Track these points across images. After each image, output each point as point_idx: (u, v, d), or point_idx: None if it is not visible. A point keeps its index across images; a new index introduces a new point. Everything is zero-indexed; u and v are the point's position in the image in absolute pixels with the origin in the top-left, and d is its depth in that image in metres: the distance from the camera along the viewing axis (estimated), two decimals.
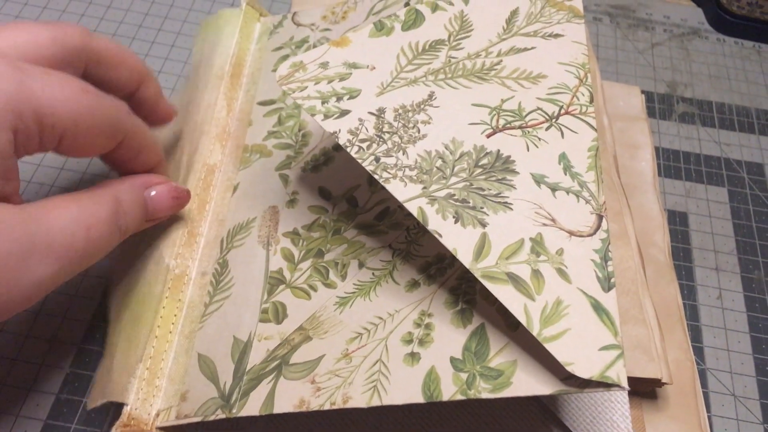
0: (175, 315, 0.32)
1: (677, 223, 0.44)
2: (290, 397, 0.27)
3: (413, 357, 0.27)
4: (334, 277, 0.31)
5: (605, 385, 0.24)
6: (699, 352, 0.39)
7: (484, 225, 0.27)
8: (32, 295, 0.25)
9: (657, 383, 0.34)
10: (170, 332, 0.31)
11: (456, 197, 0.27)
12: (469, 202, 0.27)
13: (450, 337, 0.27)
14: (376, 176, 0.28)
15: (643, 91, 0.49)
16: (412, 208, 0.27)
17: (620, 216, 0.38)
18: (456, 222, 0.27)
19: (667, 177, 0.46)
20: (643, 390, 0.35)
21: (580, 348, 0.24)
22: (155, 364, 0.30)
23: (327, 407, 0.27)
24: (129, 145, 0.30)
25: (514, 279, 0.25)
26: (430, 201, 0.27)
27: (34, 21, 0.30)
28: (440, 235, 0.26)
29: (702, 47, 0.54)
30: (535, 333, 0.24)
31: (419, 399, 0.26)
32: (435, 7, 0.34)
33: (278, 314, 0.30)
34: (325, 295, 0.31)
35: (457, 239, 0.26)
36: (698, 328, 0.40)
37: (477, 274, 0.26)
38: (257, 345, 0.30)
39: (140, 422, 0.29)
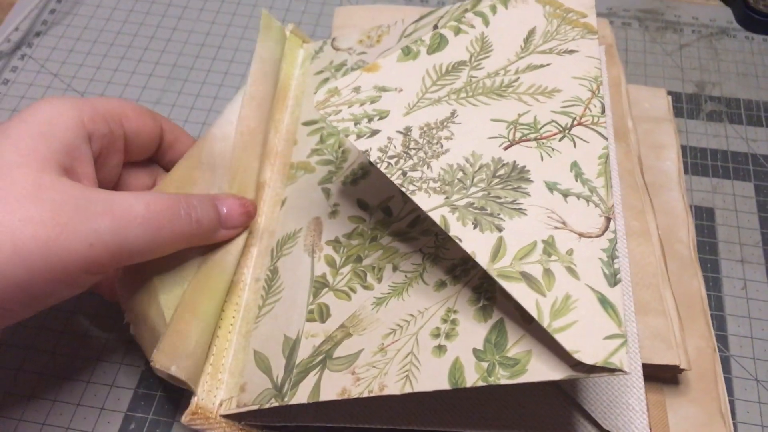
0: (233, 317, 0.36)
1: (704, 218, 0.46)
2: (334, 386, 0.31)
3: (440, 349, 0.30)
4: (372, 279, 0.35)
5: (609, 370, 0.26)
6: (723, 340, 0.41)
7: (500, 229, 0.30)
8: (93, 241, 0.29)
9: (676, 369, 0.36)
10: (229, 332, 0.35)
11: (475, 205, 0.31)
12: (487, 210, 0.30)
13: (473, 330, 0.30)
14: (403, 189, 0.31)
15: (670, 92, 0.51)
16: (436, 216, 0.30)
17: (642, 214, 0.41)
18: (475, 228, 0.30)
19: (694, 174, 0.48)
20: (664, 376, 0.37)
21: (587, 337, 0.27)
22: (218, 360, 0.34)
23: (366, 395, 0.30)
24: (167, 140, 0.39)
25: (527, 277, 0.29)
26: (452, 209, 0.30)
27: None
28: (460, 240, 0.30)
29: (730, 46, 0.56)
30: (545, 325, 0.27)
31: (445, 386, 0.29)
32: (458, 31, 0.37)
33: (323, 314, 0.34)
34: (363, 296, 0.34)
35: (476, 243, 0.30)
36: (723, 317, 0.42)
37: (493, 274, 0.29)
38: (305, 342, 0.34)
39: (206, 411, 0.33)
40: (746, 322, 0.42)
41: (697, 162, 0.49)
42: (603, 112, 0.34)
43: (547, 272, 0.29)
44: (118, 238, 0.30)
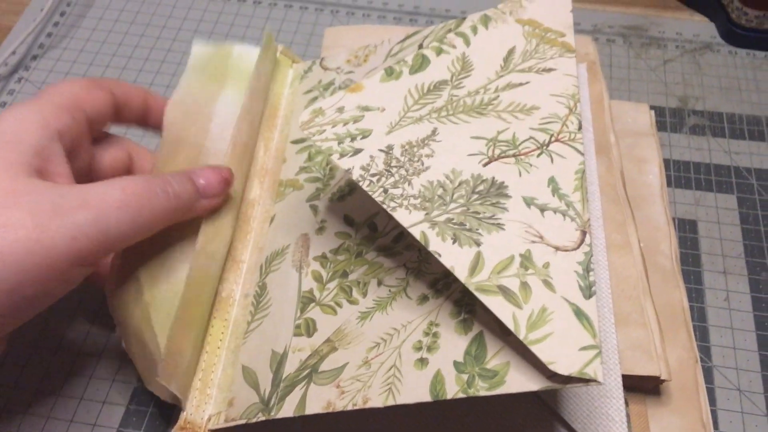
0: (222, 332, 0.37)
1: (687, 230, 0.47)
2: (319, 400, 0.32)
3: (422, 362, 0.31)
4: (357, 294, 0.35)
5: (584, 380, 0.27)
6: (706, 350, 0.42)
7: (479, 244, 0.31)
8: (76, 234, 0.30)
9: (657, 380, 0.37)
10: (218, 348, 0.36)
11: (454, 221, 0.31)
12: (466, 225, 0.31)
13: (454, 343, 0.31)
14: (384, 206, 0.32)
15: (653, 107, 0.52)
16: (416, 232, 0.31)
17: (624, 227, 0.42)
18: (454, 243, 0.31)
19: (677, 187, 0.49)
20: (646, 387, 0.38)
21: (562, 349, 0.28)
22: (206, 376, 0.35)
23: (350, 408, 0.31)
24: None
25: (504, 290, 0.29)
26: (432, 225, 0.31)
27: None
28: (440, 255, 0.30)
29: (714, 60, 0.57)
30: (521, 337, 0.28)
31: (427, 398, 0.30)
32: (439, 51, 0.38)
33: (309, 329, 0.35)
34: (349, 311, 0.35)
35: (455, 258, 0.30)
36: (706, 328, 0.42)
37: (471, 288, 0.30)
38: (292, 356, 0.34)
39: (195, 425, 0.34)
40: (729, 332, 0.42)
41: (681, 175, 0.49)
42: (580, 128, 0.35)
43: (524, 285, 0.29)
44: (100, 225, 0.31)
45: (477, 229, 0.31)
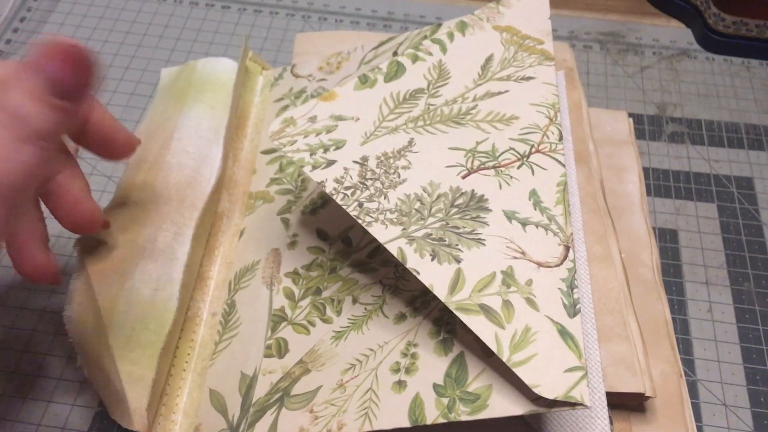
0: (188, 354, 0.35)
1: (667, 240, 0.46)
2: (291, 426, 0.30)
3: (400, 385, 0.30)
4: (331, 312, 0.34)
5: (570, 404, 0.26)
6: (690, 364, 0.41)
7: (458, 261, 0.29)
8: None
9: (641, 397, 0.36)
10: (184, 370, 0.34)
11: (433, 236, 0.30)
12: (445, 240, 0.30)
13: (433, 365, 0.30)
14: (359, 221, 0.30)
15: (631, 114, 0.51)
16: (392, 248, 0.30)
17: (605, 239, 0.40)
18: (433, 259, 0.29)
19: (657, 196, 0.48)
20: (629, 403, 0.37)
21: (547, 371, 0.26)
22: (171, 400, 0.33)
23: None
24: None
25: (486, 310, 0.28)
26: (409, 241, 0.30)
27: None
28: (418, 273, 0.29)
29: (691, 67, 0.56)
30: (504, 359, 0.27)
31: (405, 423, 0.28)
32: (415, 58, 0.37)
33: (281, 349, 0.33)
34: (322, 330, 0.33)
35: (434, 275, 0.29)
36: (689, 341, 0.41)
37: (452, 307, 0.28)
38: (262, 379, 0.33)
39: None
40: (712, 345, 0.41)
41: (660, 184, 0.49)
42: (560, 138, 0.33)
43: (507, 304, 0.28)
44: None
45: (456, 245, 0.30)
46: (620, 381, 0.35)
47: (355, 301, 0.34)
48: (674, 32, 0.58)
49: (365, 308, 0.33)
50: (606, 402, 0.33)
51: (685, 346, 0.41)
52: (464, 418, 0.27)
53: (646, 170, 0.49)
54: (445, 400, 0.28)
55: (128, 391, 0.32)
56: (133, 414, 0.31)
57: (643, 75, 0.55)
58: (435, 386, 0.29)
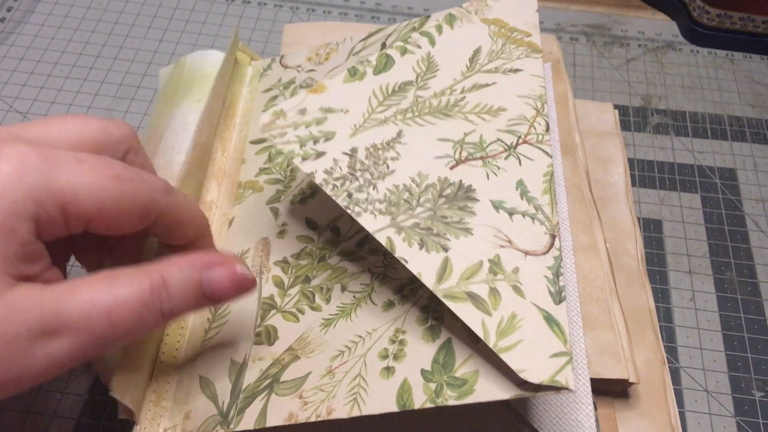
0: (179, 341, 0.35)
1: (652, 230, 0.46)
2: (281, 411, 0.31)
3: (388, 371, 0.30)
4: (320, 300, 0.34)
5: (555, 388, 0.26)
6: (673, 351, 0.41)
7: (446, 249, 0.30)
8: (43, 372, 0.25)
9: (625, 383, 0.36)
10: (174, 357, 0.34)
11: (421, 226, 0.30)
12: (433, 230, 0.30)
13: (421, 351, 0.30)
14: (348, 211, 0.31)
15: (617, 106, 0.51)
16: (381, 238, 0.30)
17: (590, 228, 0.41)
18: (421, 248, 0.30)
19: (641, 187, 0.49)
20: (614, 390, 0.37)
21: (533, 356, 0.27)
22: (161, 387, 0.33)
23: (313, 419, 0.30)
24: (164, 223, 0.29)
25: (473, 297, 0.28)
26: (398, 230, 0.30)
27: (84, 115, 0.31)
28: (406, 261, 0.29)
29: (676, 59, 0.57)
30: (491, 344, 0.27)
31: (394, 408, 0.29)
32: (404, 51, 0.37)
33: (270, 337, 0.34)
34: (311, 318, 0.34)
35: (422, 264, 0.29)
36: (672, 329, 0.42)
37: (439, 295, 0.29)
38: (252, 366, 0.33)
39: None
40: (695, 333, 0.42)
41: (645, 174, 0.49)
42: (547, 129, 0.34)
43: (493, 291, 0.29)
44: (75, 360, 0.26)
45: (444, 234, 0.30)
46: (605, 368, 0.36)
47: (344, 289, 0.34)
48: (659, 25, 0.59)
49: (354, 296, 0.34)
50: (590, 388, 0.33)
51: (668, 334, 0.42)
52: (451, 402, 0.28)
53: (631, 161, 0.50)
54: (433, 386, 0.29)
55: (121, 377, 0.32)
56: (123, 400, 0.32)
57: (629, 67, 0.56)
58: (423, 372, 0.29)
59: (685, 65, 0.56)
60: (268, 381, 0.32)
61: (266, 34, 0.57)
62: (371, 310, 0.33)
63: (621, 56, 0.57)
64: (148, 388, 0.33)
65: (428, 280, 0.29)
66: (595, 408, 0.36)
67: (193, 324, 0.36)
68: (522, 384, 0.27)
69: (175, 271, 0.28)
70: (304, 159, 0.32)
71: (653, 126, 0.52)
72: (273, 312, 0.35)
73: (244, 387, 0.32)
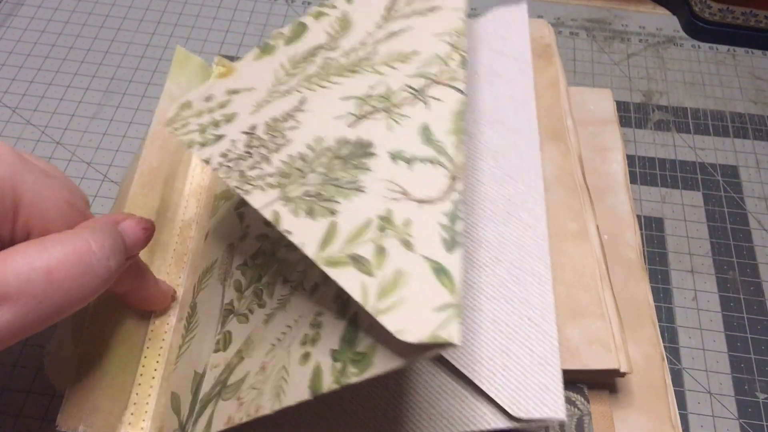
0: (157, 362, 0.34)
1: (653, 228, 0.45)
2: (222, 416, 0.28)
3: (306, 357, 0.27)
4: (266, 297, 0.32)
5: (438, 345, 0.22)
6: (675, 352, 0.40)
7: (333, 213, 0.26)
8: None
9: (617, 374, 0.35)
10: (153, 377, 0.33)
11: (311, 193, 0.27)
12: (323, 194, 0.27)
13: (332, 331, 0.27)
14: (239, 191, 0.28)
15: (618, 102, 0.50)
16: (267, 213, 0.27)
17: (581, 215, 0.39)
18: (307, 216, 0.27)
19: (643, 184, 0.47)
20: (606, 381, 0.36)
21: (414, 313, 0.23)
22: (139, 408, 0.32)
23: (245, 419, 0.27)
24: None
25: (355, 260, 0.25)
26: (285, 202, 0.27)
27: None
28: (290, 233, 0.26)
29: (677, 55, 0.55)
30: (368, 308, 0.24)
31: (307, 396, 0.25)
32: (319, 15, 0.34)
33: (226, 342, 0.32)
34: (259, 316, 0.31)
35: (306, 233, 0.26)
36: (674, 329, 0.41)
37: (320, 263, 0.25)
38: (209, 374, 0.31)
39: None
40: (697, 333, 0.41)
41: (646, 171, 0.48)
42: (463, 65, 0.30)
43: (380, 250, 0.25)
44: (22, 330, 0.25)
45: (333, 197, 0.27)
46: (595, 358, 0.34)
47: (285, 280, 0.32)
48: (660, 19, 0.58)
49: (291, 286, 0.31)
50: (558, 349, 0.30)
51: (670, 335, 0.41)
52: (354, 380, 0.24)
53: (632, 158, 0.48)
54: (339, 365, 0.25)
55: (81, 404, 0.31)
56: (85, 428, 0.31)
57: (630, 62, 0.55)
58: (332, 352, 0.26)
59: (686, 60, 0.55)
60: (218, 388, 0.30)
61: (261, 27, 0.56)
62: (302, 297, 0.30)
63: (622, 51, 0.55)
64: (126, 411, 0.32)
65: (310, 250, 0.25)
66: (588, 403, 0.35)
67: (171, 343, 0.35)
68: (410, 347, 0.23)
69: (100, 226, 0.28)
70: (202, 146, 0.30)
71: (654, 122, 0.51)
72: (231, 317, 0.32)
73: (201, 397, 0.30)
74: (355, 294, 0.24)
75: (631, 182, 0.45)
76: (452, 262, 0.24)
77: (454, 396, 0.30)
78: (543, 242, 0.33)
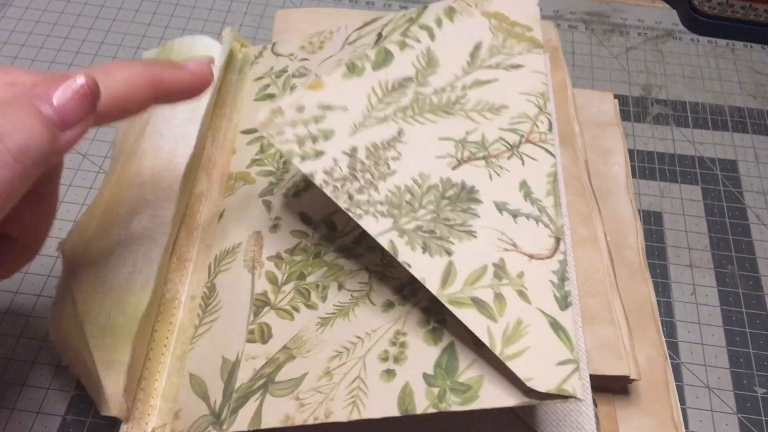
0: (167, 337, 0.34)
1: (652, 222, 0.45)
2: (276, 413, 0.30)
3: (389, 373, 0.29)
4: (316, 298, 0.33)
5: (562, 397, 0.25)
6: (674, 347, 0.40)
7: (450, 253, 0.29)
8: None
9: (626, 380, 0.35)
10: (162, 354, 0.33)
11: (424, 228, 0.29)
12: (436, 233, 0.29)
13: (423, 354, 0.29)
14: (350, 213, 0.30)
15: (617, 96, 0.50)
16: (384, 241, 0.29)
17: (590, 221, 0.40)
18: (424, 252, 0.29)
19: (641, 178, 0.48)
20: (614, 387, 0.36)
21: (539, 364, 0.26)
22: (149, 385, 0.32)
23: (311, 422, 0.29)
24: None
25: (478, 303, 0.27)
26: (400, 233, 0.29)
27: None
28: (409, 266, 0.28)
29: (676, 48, 0.55)
30: (497, 352, 0.26)
31: (395, 412, 0.28)
32: (403, 45, 0.36)
33: (264, 335, 0.33)
34: (307, 316, 0.33)
35: (425, 268, 0.28)
36: (673, 324, 0.41)
37: (444, 301, 0.28)
38: (245, 364, 0.32)
39: None
40: (696, 328, 0.41)
41: (645, 166, 0.48)
42: (550, 128, 0.33)
43: (498, 297, 0.28)
44: None
45: (448, 237, 0.29)
46: (605, 364, 0.35)
47: (340, 287, 0.33)
48: (659, 13, 0.58)
49: (351, 295, 0.33)
50: (590, 390, 0.33)
51: (669, 329, 0.41)
52: (455, 408, 0.27)
53: (631, 152, 0.49)
54: (436, 390, 0.28)
55: (104, 378, 0.31)
56: (109, 399, 0.30)
57: (629, 56, 0.55)
58: (425, 376, 0.28)
59: (685, 54, 0.55)
60: (262, 381, 0.31)
61: (258, 18, 0.56)
62: (370, 309, 0.32)
63: (620, 45, 0.55)
64: (137, 385, 0.32)
65: (432, 286, 0.28)
66: (595, 405, 0.36)
67: (182, 320, 0.35)
68: (528, 392, 0.26)
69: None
70: (303, 159, 0.31)
71: (653, 116, 0.51)
72: (266, 309, 0.33)
73: (237, 386, 0.31)
74: (482, 336, 0.27)
75: (631, 176, 0.45)
76: (566, 319, 0.27)
77: (502, 425, 0.33)
78: (574, 290, 0.36)
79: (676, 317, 0.42)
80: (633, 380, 0.36)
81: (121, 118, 0.28)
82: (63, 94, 0.25)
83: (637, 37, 0.56)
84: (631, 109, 0.51)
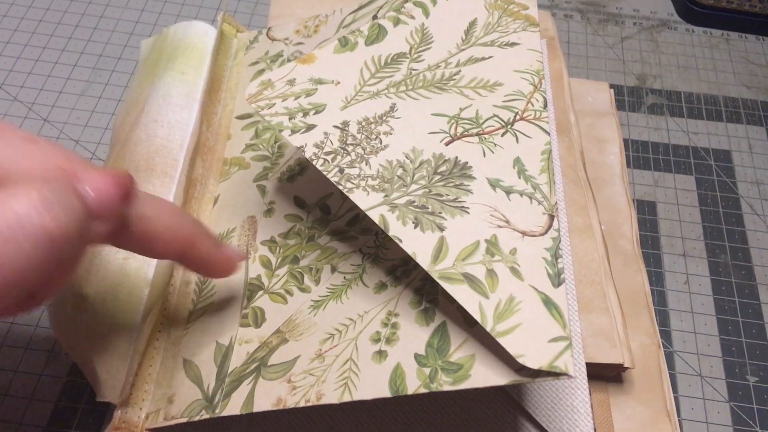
0: (161, 323, 0.34)
1: (646, 212, 0.45)
2: (268, 396, 0.29)
3: (381, 355, 0.29)
4: (309, 281, 0.33)
5: (554, 374, 0.25)
6: (667, 335, 0.41)
7: (442, 229, 0.28)
8: None
9: (620, 368, 0.35)
10: (157, 339, 0.33)
11: (416, 203, 0.29)
12: (428, 208, 0.29)
13: (414, 334, 0.29)
14: (340, 187, 0.29)
15: (612, 85, 0.50)
16: (374, 215, 0.29)
17: (585, 210, 0.40)
18: (416, 227, 0.28)
19: (636, 168, 0.48)
20: (608, 374, 0.36)
21: (531, 341, 0.26)
22: (143, 370, 0.32)
23: (302, 404, 0.29)
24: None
25: (469, 279, 0.27)
26: (391, 208, 0.29)
27: None
28: (400, 240, 0.28)
29: (671, 38, 0.55)
30: (488, 329, 0.26)
31: (386, 393, 0.27)
32: (397, 21, 0.36)
33: (257, 319, 0.32)
34: (300, 299, 0.32)
35: (417, 243, 0.28)
36: (666, 312, 0.41)
37: (435, 276, 0.27)
38: (238, 348, 0.32)
39: (131, 425, 0.31)
40: (689, 317, 0.41)
41: (639, 155, 0.48)
42: (545, 106, 0.33)
43: (491, 273, 0.27)
44: None
45: (440, 213, 0.29)
46: (600, 352, 0.35)
47: (334, 269, 0.33)
48: (655, 3, 0.58)
49: (344, 277, 0.33)
50: (586, 372, 0.33)
51: (662, 318, 0.41)
52: (446, 388, 0.27)
53: (625, 141, 0.49)
54: (427, 370, 0.27)
55: (98, 363, 0.31)
56: (104, 385, 0.30)
57: (624, 46, 0.55)
58: (416, 356, 0.28)
59: (680, 44, 0.55)
60: (255, 365, 0.31)
61: (252, 5, 0.56)
62: (363, 291, 0.32)
63: (616, 34, 0.55)
64: (129, 370, 0.32)
65: (423, 261, 0.28)
66: (589, 393, 0.36)
67: (176, 305, 0.35)
68: (520, 369, 0.26)
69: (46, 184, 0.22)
70: (293, 132, 0.31)
71: (648, 106, 0.51)
72: (260, 293, 0.33)
73: (230, 370, 0.31)
74: (474, 312, 0.26)
75: (626, 166, 0.45)
76: (559, 297, 0.27)
77: (495, 408, 0.33)
78: (570, 275, 0.37)
79: (669, 306, 0.42)
80: (626, 368, 0.36)
81: (141, 250, 0.27)
82: (102, 181, 0.24)
83: (632, 27, 0.56)
84: (626, 99, 0.51)
